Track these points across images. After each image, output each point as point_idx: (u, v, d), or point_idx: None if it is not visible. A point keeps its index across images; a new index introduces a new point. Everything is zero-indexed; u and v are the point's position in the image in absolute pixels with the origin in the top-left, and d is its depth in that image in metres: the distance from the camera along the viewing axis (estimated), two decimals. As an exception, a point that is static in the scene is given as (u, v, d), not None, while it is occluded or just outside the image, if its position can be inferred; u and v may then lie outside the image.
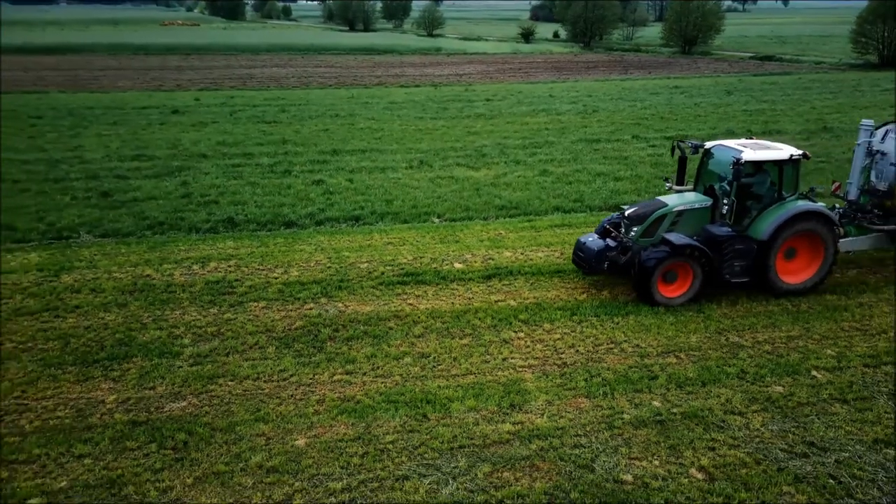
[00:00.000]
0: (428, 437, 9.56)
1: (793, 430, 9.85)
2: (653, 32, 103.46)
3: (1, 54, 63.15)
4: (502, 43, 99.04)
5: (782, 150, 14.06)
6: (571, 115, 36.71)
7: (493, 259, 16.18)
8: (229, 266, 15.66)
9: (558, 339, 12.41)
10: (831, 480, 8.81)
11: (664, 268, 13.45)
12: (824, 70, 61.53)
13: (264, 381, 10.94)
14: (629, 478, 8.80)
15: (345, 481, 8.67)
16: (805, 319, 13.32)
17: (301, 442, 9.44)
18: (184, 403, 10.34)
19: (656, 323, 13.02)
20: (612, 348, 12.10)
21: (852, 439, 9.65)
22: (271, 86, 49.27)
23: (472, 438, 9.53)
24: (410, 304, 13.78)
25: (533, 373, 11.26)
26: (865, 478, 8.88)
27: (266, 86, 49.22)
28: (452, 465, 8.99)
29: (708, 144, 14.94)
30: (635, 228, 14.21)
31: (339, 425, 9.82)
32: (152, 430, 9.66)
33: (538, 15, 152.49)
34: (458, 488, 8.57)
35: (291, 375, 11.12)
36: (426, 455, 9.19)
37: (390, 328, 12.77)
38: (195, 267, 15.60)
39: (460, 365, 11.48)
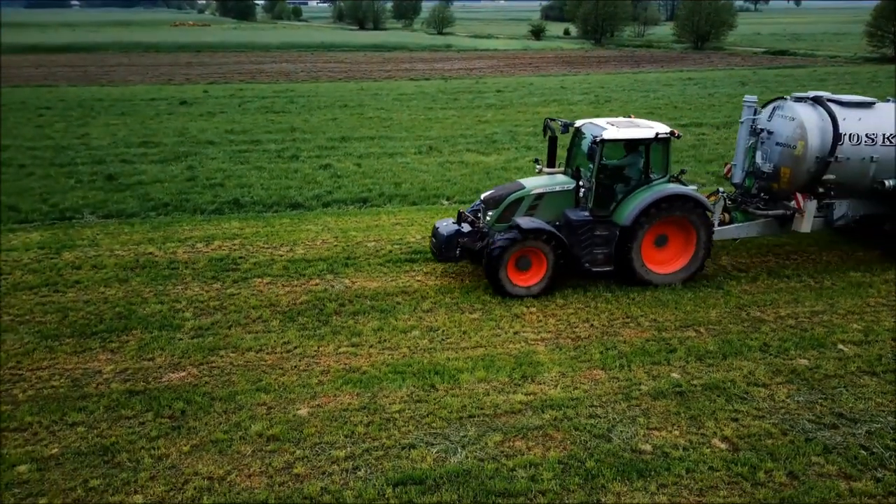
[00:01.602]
0: (436, 406, 9.13)
1: (820, 401, 9.36)
2: (664, 31, 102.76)
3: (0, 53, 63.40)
4: (512, 40, 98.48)
5: (650, 129, 12.76)
6: (583, 105, 36.16)
7: (503, 238, 15.71)
8: (234, 244, 15.30)
9: (572, 313, 11.97)
10: (863, 451, 8.31)
11: (515, 254, 12.37)
12: (839, 63, 60.68)
13: (267, 353, 10.55)
14: (648, 447, 8.34)
15: (348, 449, 8.26)
16: (829, 295, 12.81)
17: (303, 411, 9.04)
18: (183, 374, 9.96)
19: (673, 298, 12.54)
20: (627, 322, 11.64)
21: (883, 411, 9.15)
22: (281, 80, 49.00)
23: (482, 408, 9.10)
24: (419, 281, 13.37)
25: (546, 345, 10.82)
26: (899, 449, 8.38)
27: (275, 80, 48.95)
28: (461, 434, 8.56)
29: (578, 123, 13.65)
30: (491, 213, 13.17)
31: (343, 395, 9.41)
32: (149, 399, 9.29)
33: (549, 15, 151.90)
34: (467, 457, 8.14)
35: (295, 347, 10.73)
36: (434, 424, 8.77)
37: (398, 303, 12.36)
38: (199, 245, 15.25)
39: (470, 338, 11.06)
